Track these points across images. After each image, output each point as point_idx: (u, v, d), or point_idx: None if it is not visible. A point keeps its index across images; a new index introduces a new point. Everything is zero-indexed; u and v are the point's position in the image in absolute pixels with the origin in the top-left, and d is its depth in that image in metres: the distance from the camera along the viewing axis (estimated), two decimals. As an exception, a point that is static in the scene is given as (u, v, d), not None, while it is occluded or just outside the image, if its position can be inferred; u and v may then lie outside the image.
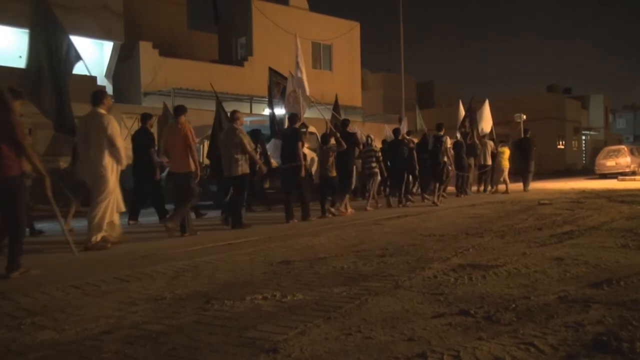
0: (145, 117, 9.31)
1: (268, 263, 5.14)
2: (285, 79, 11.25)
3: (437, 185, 11.80)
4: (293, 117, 9.35)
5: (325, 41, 23.99)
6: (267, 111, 20.96)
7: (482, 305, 3.35)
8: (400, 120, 21.88)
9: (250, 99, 19.35)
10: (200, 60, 20.81)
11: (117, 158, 6.37)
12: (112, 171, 6.40)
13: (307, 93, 10.44)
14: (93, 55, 17.55)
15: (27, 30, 6.82)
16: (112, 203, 6.47)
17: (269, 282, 4.27)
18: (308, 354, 2.64)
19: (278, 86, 11.17)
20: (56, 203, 5.69)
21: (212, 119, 12.13)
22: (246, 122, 14.87)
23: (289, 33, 21.79)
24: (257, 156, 8.95)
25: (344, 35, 24.63)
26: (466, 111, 15.14)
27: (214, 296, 3.83)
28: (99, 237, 6.39)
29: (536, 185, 17.53)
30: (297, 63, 10.75)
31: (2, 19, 15.12)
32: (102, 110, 6.42)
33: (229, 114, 8.64)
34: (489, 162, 15.19)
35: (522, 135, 15.81)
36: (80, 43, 17.26)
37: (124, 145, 6.62)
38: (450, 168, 12.19)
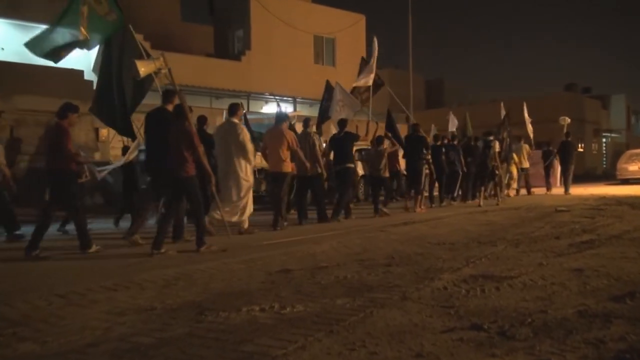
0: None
1: (266, 272, 5.14)
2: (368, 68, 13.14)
3: (485, 187, 13.60)
4: (343, 122, 10.71)
5: (328, 35, 24.01)
6: (265, 109, 21.05)
7: (496, 320, 3.34)
8: (407, 120, 21.99)
9: (248, 96, 19.41)
10: (194, 55, 20.85)
11: (248, 160, 8.06)
12: (245, 170, 8.11)
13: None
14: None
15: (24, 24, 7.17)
16: (251, 198, 8.25)
17: (267, 293, 4.26)
18: (309, 370, 2.63)
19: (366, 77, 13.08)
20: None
21: (207, 117, 12.06)
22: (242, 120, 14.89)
23: (289, 26, 21.85)
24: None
25: (349, 29, 24.66)
26: (503, 118, 16.01)
27: (207, 307, 3.83)
28: (247, 223, 8.17)
29: (554, 191, 17.60)
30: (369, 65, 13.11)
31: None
32: (236, 120, 8.16)
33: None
34: (526, 165, 16.47)
35: (564, 139, 16.75)
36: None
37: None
38: (497, 172, 13.61)
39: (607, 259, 5.38)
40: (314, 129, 9.93)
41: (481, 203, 12.80)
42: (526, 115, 18.06)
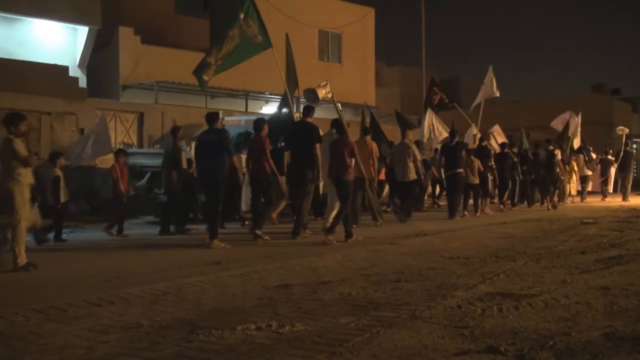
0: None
1: (263, 287, 5.14)
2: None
3: (552, 191, 15.49)
4: (454, 132, 13.44)
5: (334, 29, 24.04)
6: (265, 109, 21.10)
7: (514, 342, 3.33)
8: (419, 122, 22.13)
9: (246, 95, 19.43)
10: (188, 50, 20.90)
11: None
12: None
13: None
14: (65, 42, 17.69)
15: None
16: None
17: (264, 310, 4.26)
18: (308, 395, 2.63)
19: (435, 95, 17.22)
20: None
21: (201, 118, 12.17)
22: (240, 121, 14.94)
23: (292, 19, 21.91)
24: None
25: (356, 23, 24.71)
26: (565, 126, 18.45)
27: (199, 325, 3.83)
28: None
29: (579, 201, 17.67)
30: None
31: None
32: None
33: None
34: (588, 172, 18.82)
35: (623, 148, 19.18)
36: (51, 28, 17.40)
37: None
38: (562, 178, 15.87)
39: (637, 276, 5.37)
40: (410, 137, 12.24)
41: (549, 207, 14.92)
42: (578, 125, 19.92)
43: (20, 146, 6.23)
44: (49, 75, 14.49)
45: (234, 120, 14.96)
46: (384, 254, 7.22)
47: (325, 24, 23.66)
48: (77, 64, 17.86)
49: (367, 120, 14.04)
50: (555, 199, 15.74)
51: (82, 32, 17.87)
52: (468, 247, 7.73)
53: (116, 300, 4.67)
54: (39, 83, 13.85)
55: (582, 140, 19.58)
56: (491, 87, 17.48)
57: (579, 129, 19.66)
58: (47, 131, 13.89)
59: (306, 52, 22.99)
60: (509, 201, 15.40)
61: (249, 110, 19.27)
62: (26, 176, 6.31)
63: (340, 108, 10.54)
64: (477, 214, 13.21)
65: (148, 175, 11.64)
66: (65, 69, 15.49)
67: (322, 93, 10.11)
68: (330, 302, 4.48)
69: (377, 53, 26.90)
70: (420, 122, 21.68)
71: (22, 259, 6.22)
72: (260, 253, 7.38)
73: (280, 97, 20.22)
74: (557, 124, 19.70)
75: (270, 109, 20.76)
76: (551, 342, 3.29)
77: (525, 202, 16.30)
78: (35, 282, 5.68)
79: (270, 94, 20.36)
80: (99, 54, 18.56)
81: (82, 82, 16.66)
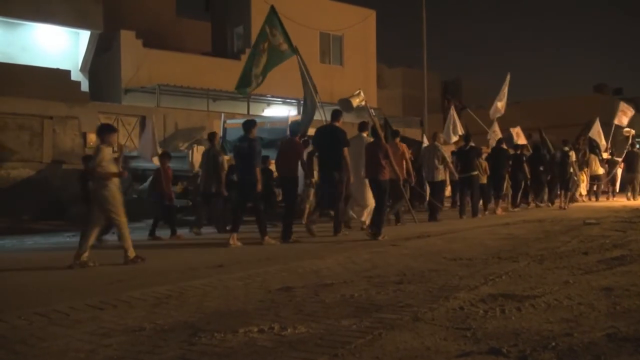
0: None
1: (265, 289, 5.14)
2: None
3: (563, 192, 15.94)
4: (467, 137, 14.22)
5: (336, 32, 24.09)
6: (267, 112, 21.15)
7: (517, 343, 3.33)
8: (421, 123, 22.20)
9: (248, 98, 19.45)
10: (190, 53, 20.97)
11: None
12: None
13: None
14: (67, 46, 17.75)
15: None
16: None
17: (266, 312, 4.26)
18: (310, 397, 2.63)
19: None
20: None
21: (203, 121, 12.22)
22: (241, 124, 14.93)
23: (294, 22, 21.94)
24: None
25: (358, 25, 24.75)
26: (583, 128, 19.71)
27: (201, 328, 3.84)
28: (367, 221, 10.01)
29: (582, 202, 17.68)
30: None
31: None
32: (364, 134, 10.53)
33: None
34: (600, 172, 19.48)
35: (630, 149, 19.89)
36: (53, 32, 17.46)
37: None
38: (575, 178, 16.39)
39: (640, 276, 5.35)
40: (441, 140, 13.09)
41: (562, 205, 15.39)
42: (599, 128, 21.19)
43: (104, 153, 6.77)
44: (51, 80, 14.55)
45: (236, 123, 14.95)
46: (385, 255, 7.22)
47: (326, 26, 23.71)
48: (79, 68, 17.92)
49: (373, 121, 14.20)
50: (562, 198, 16.04)
51: (83, 36, 17.94)
52: (470, 248, 7.72)
53: (118, 303, 4.67)
54: (41, 87, 13.90)
55: (608, 143, 21.04)
56: (501, 92, 18.91)
57: (600, 131, 20.57)
58: (50, 135, 13.92)
59: (308, 55, 22.91)
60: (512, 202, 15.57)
61: (250, 112, 19.30)
62: (113, 180, 6.84)
63: (374, 114, 11.35)
64: (479, 215, 13.34)
65: (151, 178, 11.67)
66: (67, 73, 15.55)
67: (355, 102, 10.72)
68: (332, 304, 4.48)
69: (379, 55, 26.96)
70: (422, 123, 21.86)
71: (132, 253, 6.88)
72: (262, 255, 7.39)
73: (281, 100, 20.38)
74: (620, 118, 21.08)
75: (271, 111, 20.79)
76: (553, 343, 3.29)
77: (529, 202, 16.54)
78: (37, 285, 5.70)
79: (272, 97, 20.38)
80: (100, 57, 18.63)
81: (84, 86, 16.72)
